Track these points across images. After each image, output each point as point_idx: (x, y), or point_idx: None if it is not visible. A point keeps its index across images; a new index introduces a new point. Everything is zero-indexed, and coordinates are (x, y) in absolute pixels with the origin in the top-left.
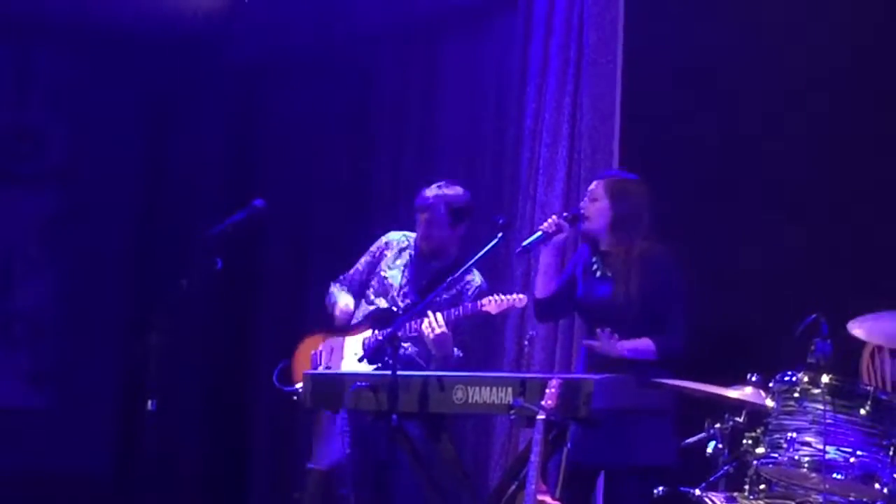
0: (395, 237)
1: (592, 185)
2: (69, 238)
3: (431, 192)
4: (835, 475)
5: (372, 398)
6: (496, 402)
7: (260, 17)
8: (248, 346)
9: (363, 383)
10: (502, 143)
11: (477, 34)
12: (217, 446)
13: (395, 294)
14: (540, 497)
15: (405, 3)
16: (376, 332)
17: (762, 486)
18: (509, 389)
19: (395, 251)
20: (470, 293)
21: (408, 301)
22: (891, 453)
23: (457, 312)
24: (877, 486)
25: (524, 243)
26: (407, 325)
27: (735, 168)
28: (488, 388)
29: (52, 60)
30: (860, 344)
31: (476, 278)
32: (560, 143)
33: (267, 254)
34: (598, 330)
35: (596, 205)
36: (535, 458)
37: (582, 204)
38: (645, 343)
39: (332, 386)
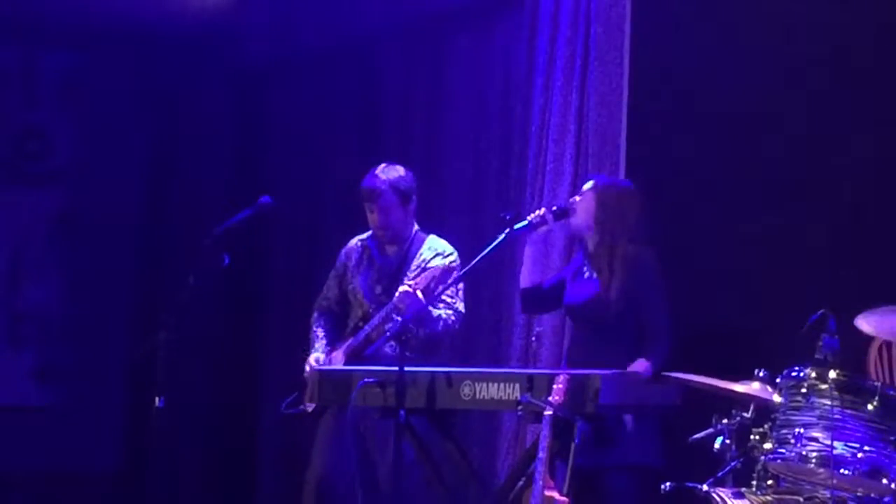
0: (351, 244)
1: (587, 184)
2: (76, 236)
3: (376, 180)
4: (842, 470)
5: (379, 394)
6: (504, 398)
7: (266, 16)
8: (256, 342)
9: (371, 379)
10: (509, 139)
11: (483, 31)
12: (225, 443)
13: (363, 299)
14: (547, 493)
15: (412, 2)
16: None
17: (770, 482)
18: (517, 385)
19: (353, 259)
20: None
21: (383, 298)
22: None
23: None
24: (884, 481)
25: (515, 227)
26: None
27: (742, 163)
28: (496, 384)
29: (59, 60)
30: (868, 340)
31: (437, 256)
32: (567, 139)
33: (274, 251)
34: None
35: (584, 202)
36: (542, 454)
37: (573, 199)
38: (642, 365)
39: (340, 382)
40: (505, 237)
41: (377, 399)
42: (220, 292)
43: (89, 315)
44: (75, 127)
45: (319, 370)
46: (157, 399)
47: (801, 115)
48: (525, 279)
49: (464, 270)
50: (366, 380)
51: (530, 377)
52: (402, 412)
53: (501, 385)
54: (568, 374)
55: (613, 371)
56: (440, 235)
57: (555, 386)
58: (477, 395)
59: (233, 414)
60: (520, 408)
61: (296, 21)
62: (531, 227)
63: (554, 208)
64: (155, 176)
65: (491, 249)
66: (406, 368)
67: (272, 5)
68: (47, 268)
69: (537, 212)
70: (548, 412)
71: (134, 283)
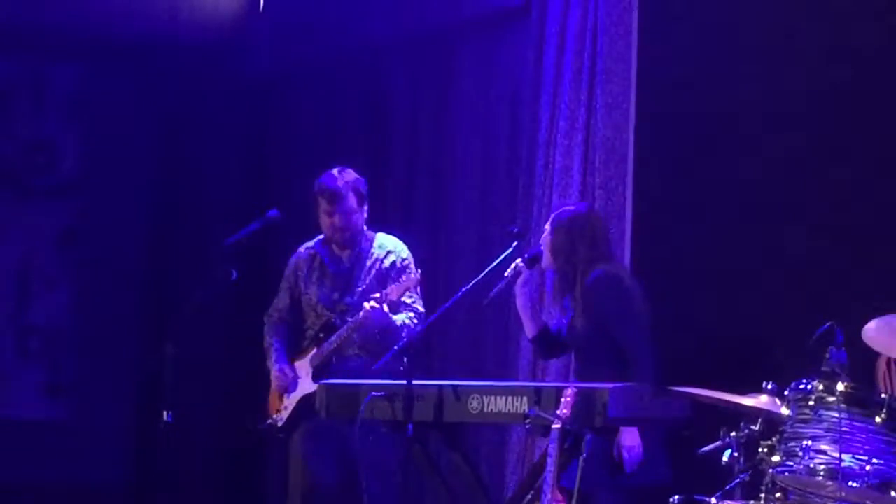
0: (300, 252)
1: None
2: (84, 250)
3: (337, 182)
4: (850, 483)
5: (387, 408)
6: (511, 411)
7: (272, 28)
8: (264, 357)
9: (379, 393)
10: (516, 151)
11: (490, 43)
12: (233, 458)
13: (322, 309)
14: None
15: (419, 13)
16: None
17: (778, 495)
18: (525, 399)
19: (304, 269)
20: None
21: (342, 305)
22: None
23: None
24: (893, 493)
25: (490, 295)
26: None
27: (751, 175)
28: (504, 398)
29: (67, 72)
30: (876, 352)
31: (389, 254)
32: (574, 152)
33: (282, 264)
34: None
35: (545, 240)
36: (550, 467)
37: (540, 242)
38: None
39: (348, 396)
40: (511, 251)
41: (385, 412)
42: (228, 306)
43: (98, 329)
44: (83, 139)
45: (327, 384)
46: (165, 413)
47: (811, 126)
48: (529, 329)
49: (470, 285)
50: (373, 393)
51: (538, 390)
52: (410, 426)
53: (509, 398)
54: (576, 387)
55: (622, 384)
56: (447, 248)
57: (563, 399)
58: (485, 409)
59: (240, 428)
60: (528, 421)
61: (302, 33)
62: (509, 282)
63: (525, 256)
64: (162, 188)
65: (498, 264)
66: (415, 382)
67: (279, 17)
68: (56, 281)
69: (512, 266)
70: (556, 425)
71: (142, 296)
